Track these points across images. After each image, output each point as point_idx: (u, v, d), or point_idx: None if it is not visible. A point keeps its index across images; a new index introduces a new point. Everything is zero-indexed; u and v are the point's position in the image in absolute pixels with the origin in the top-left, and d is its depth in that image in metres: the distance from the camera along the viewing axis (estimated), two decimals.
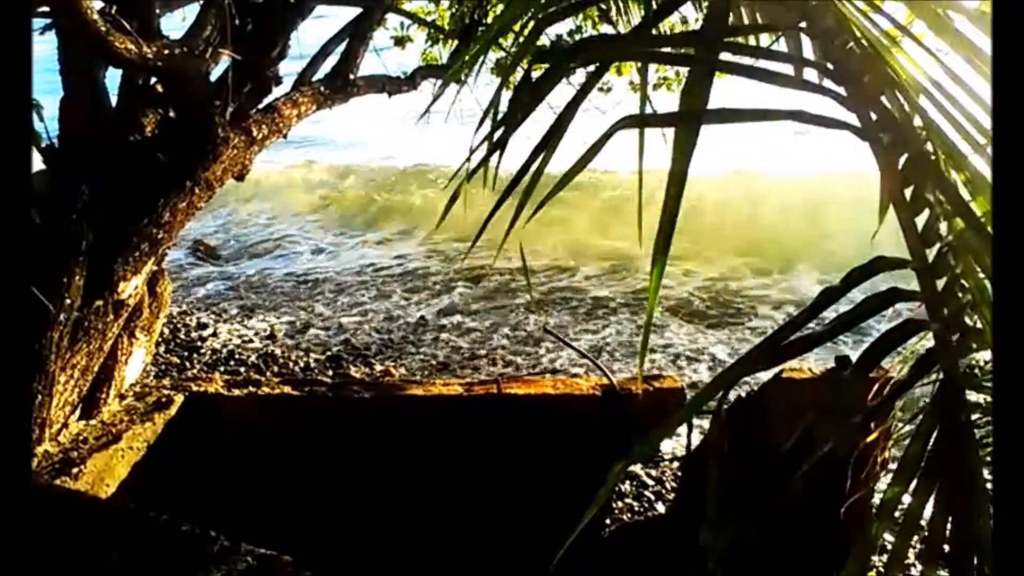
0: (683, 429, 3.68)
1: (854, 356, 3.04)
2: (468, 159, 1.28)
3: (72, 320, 2.89)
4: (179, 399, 3.43)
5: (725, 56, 1.13)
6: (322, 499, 3.53)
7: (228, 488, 3.40)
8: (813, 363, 3.74)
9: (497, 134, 1.19)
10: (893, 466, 2.90)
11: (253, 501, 3.38)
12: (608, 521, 3.97)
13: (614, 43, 1.24)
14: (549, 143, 1.06)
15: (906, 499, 1.17)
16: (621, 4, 2.55)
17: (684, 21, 4.09)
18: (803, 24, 1.26)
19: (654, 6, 1.84)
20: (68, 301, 2.84)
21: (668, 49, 1.30)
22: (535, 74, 1.15)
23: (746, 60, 1.17)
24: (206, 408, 3.50)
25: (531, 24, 1.40)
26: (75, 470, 2.83)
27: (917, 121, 1.20)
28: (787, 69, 1.46)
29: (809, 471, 1.13)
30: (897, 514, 1.19)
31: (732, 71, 1.08)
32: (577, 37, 4.53)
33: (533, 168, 1.14)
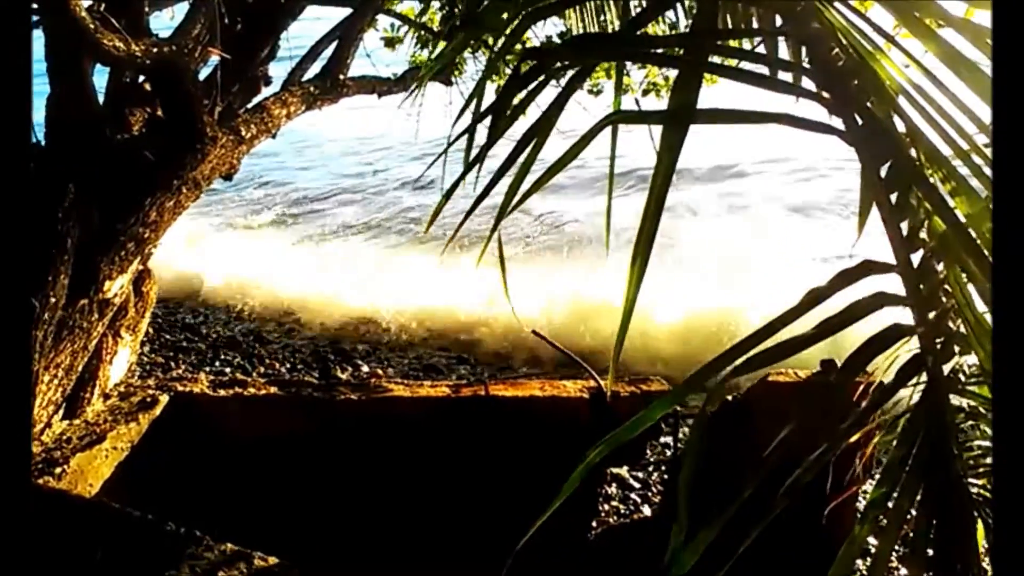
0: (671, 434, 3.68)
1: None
2: (446, 150, 1.28)
3: (56, 319, 2.87)
4: (164, 399, 3.40)
5: (713, 59, 1.13)
6: (309, 500, 3.52)
7: (214, 489, 3.38)
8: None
9: (476, 148, 1.18)
10: (876, 467, 2.92)
11: (239, 501, 3.36)
12: (594, 524, 3.98)
13: (601, 43, 1.25)
14: (533, 143, 1.06)
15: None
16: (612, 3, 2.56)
17: (673, 26, 4.10)
18: (790, 28, 1.27)
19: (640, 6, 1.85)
20: (53, 299, 2.81)
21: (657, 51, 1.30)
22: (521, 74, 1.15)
23: (733, 63, 1.17)
24: (191, 408, 3.48)
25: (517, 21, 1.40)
26: (58, 470, 2.81)
27: (901, 127, 1.21)
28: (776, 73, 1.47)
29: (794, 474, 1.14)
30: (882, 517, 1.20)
31: (720, 73, 1.09)
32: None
33: (518, 165, 1.14)
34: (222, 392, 3.50)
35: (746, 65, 1.21)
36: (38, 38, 2.93)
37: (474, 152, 1.20)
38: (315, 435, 3.49)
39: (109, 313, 3.18)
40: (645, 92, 4.78)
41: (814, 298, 1.11)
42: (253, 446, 3.47)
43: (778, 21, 1.33)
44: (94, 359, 3.26)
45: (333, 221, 11.68)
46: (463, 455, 3.50)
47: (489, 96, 1.41)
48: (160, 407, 3.36)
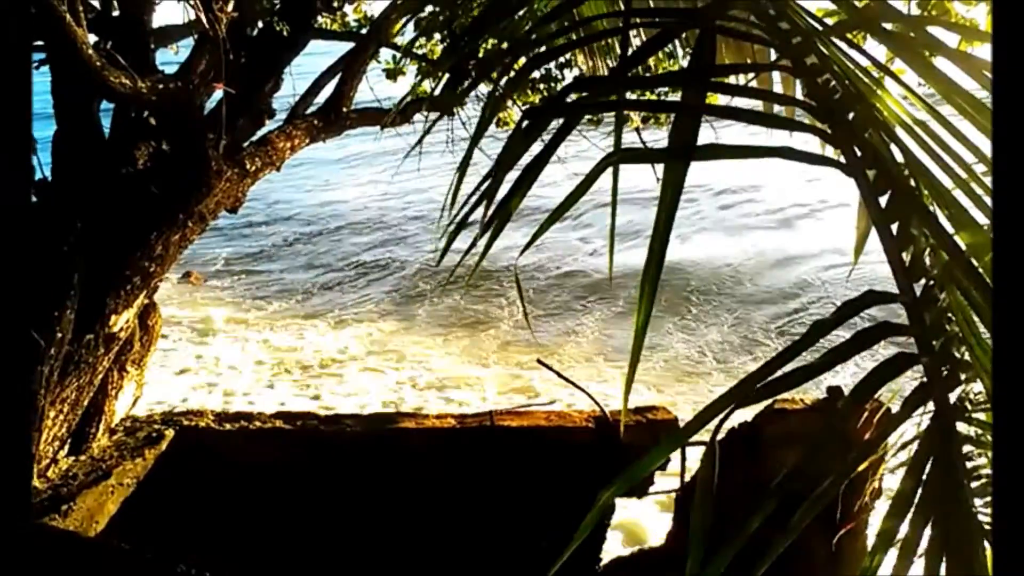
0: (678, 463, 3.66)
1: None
2: (452, 187, 1.29)
3: (63, 354, 2.87)
4: (170, 434, 3.39)
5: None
6: (316, 533, 3.49)
7: (221, 524, 3.36)
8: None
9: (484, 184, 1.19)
10: (881, 495, 2.89)
11: (246, 536, 3.34)
12: (602, 556, 3.93)
13: (600, 86, 1.26)
14: (522, 187, 1.06)
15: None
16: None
17: (671, 54, 4.15)
18: (787, 63, 1.28)
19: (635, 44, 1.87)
20: (59, 335, 2.82)
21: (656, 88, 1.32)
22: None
23: (732, 100, 1.19)
24: (197, 443, 3.47)
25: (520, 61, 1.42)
26: (65, 507, 2.79)
27: (900, 157, 1.22)
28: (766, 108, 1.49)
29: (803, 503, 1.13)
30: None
31: (718, 115, 1.10)
32: (567, 71, 4.59)
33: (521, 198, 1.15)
34: (227, 426, 3.49)
35: (743, 102, 1.23)
36: (44, 74, 2.98)
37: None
38: (321, 468, 3.47)
39: (115, 348, 3.18)
40: (644, 120, 4.81)
41: (820, 329, 1.11)
42: (259, 479, 3.45)
43: (773, 56, 1.35)
44: (100, 394, 3.26)
45: None
46: (470, 486, 3.48)
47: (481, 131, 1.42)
48: (166, 442, 3.35)
